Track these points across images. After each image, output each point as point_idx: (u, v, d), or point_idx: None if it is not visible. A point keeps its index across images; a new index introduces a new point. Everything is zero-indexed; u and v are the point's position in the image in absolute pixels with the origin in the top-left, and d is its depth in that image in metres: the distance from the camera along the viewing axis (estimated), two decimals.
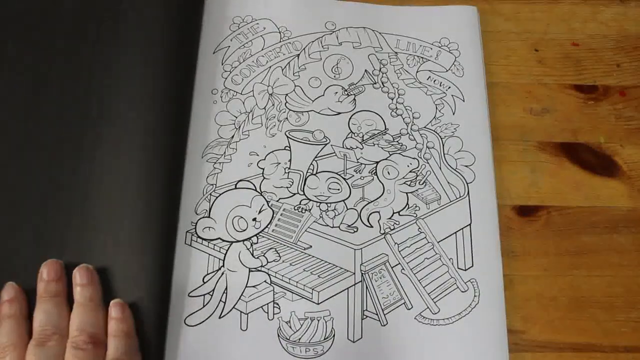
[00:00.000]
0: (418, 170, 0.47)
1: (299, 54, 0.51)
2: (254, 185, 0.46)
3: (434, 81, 0.51)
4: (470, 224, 0.45)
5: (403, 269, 0.44)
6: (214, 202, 0.45)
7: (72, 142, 0.45)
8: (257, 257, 0.43)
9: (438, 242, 0.45)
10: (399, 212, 0.46)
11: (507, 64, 0.53)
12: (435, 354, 0.41)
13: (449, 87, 0.51)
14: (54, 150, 0.44)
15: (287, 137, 0.48)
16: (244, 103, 0.49)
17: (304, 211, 0.45)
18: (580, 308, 0.44)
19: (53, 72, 0.48)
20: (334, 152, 0.47)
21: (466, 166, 0.47)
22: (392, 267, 0.44)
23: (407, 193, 0.46)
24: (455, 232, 0.45)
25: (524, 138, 0.50)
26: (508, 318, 0.42)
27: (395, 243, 0.44)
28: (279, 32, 0.52)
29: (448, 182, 0.47)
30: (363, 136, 0.48)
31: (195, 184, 0.46)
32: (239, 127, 0.48)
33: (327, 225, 0.45)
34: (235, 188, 0.46)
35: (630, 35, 0.55)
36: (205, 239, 0.44)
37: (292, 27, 0.52)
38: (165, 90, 0.46)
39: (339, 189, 0.46)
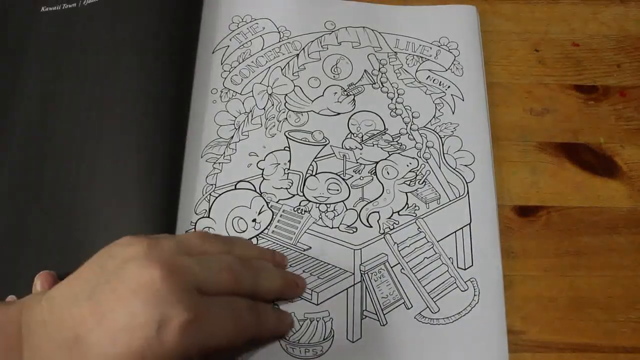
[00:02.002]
0: (417, 170, 0.47)
1: (298, 54, 0.51)
2: (253, 186, 0.46)
3: (434, 80, 0.51)
4: (470, 223, 0.45)
5: (403, 268, 0.44)
6: (213, 202, 0.45)
7: (72, 142, 0.45)
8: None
9: (438, 242, 0.45)
10: (398, 211, 0.45)
11: (507, 64, 0.53)
12: (435, 354, 0.41)
13: (449, 87, 0.50)
14: (55, 152, 0.45)
15: (287, 137, 0.48)
16: (243, 103, 0.49)
17: (303, 212, 0.45)
18: (580, 308, 0.44)
19: (52, 74, 0.48)
20: (334, 153, 0.47)
21: (466, 165, 0.47)
22: (391, 267, 0.43)
23: (406, 193, 0.46)
24: (455, 232, 0.45)
25: (524, 138, 0.50)
26: (508, 318, 0.42)
27: (395, 243, 0.44)
28: (279, 32, 0.52)
29: (448, 182, 0.47)
30: (362, 136, 0.48)
31: (194, 183, 0.45)
32: (239, 127, 0.48)
33: (327, 226, 0.44)
34: (235, 189, 0.45)
35: (630, 35, 0.55)
36: None
37: (292, 27, 0.52)
38: (163, 89, 0.46)
39: (338, 190, 0.46)
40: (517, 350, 0.42)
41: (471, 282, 0.43)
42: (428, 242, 0.44)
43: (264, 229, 0.44)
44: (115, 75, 0.47)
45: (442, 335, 0.41)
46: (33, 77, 0.47)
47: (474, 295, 0.43)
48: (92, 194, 0.43)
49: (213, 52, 0.51)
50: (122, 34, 0.48)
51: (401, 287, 0.43)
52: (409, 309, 0.42)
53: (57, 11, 0.50)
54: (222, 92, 0.49)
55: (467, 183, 0.47)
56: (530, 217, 0.47)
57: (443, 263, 0.44)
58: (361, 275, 0.43)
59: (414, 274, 0.43)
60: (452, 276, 0.44)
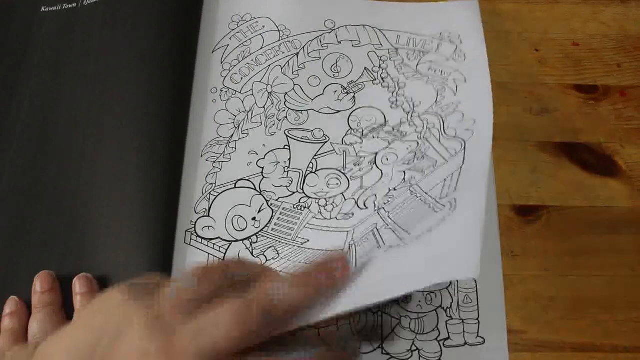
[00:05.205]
0: (417, 149, 0.46)
1: (298, 53, 0.51)
2: (253, 184, 0.46)
3: (435, 71, 0.51)
4: (462, 166, 0.41)
5: (387, 225, 0.41)
6: (213, 201, 0.45)
7: (72, 142, 0.45)
8: (257, 257, 0.43)
9: (428, 194, 0.41)
10: (394, 188, 0.45)
11: (507, 64, 0.53)
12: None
13: (450, 74, 0.50)
14: (55, 152, 0.45)
15: (287, 136, 0.48)
16: (243, 102, 0.49)
17: (302, 209, 0.45)
18: (580, 308, 0.44)
19: (52, 74, 0.48)
20: (334, 150, 0.47)
21: (466, 130, 0.46)
22: (377, 229, 0.42)
23: (404, 171, 0.45)
24: (445, 179, 0.41)
25: (524, 138, 0.50)
26: (508, 318, 0.42)
27: (386, 212, 0.43)
28: (278, 31, 0.52)
29: (446, 149, 0.46)
30: (363, 131, 0.48)
31: (194, 182, 0.45)
32: (239, 126, 0.48)
33: (325, 218, 0.44)
34: (235, 187, 0.45)
35: (630, 35, 0.55)
36: (205, 238, 0.43)
37: (292, 26, 0.52)
38: (163, 88, 0.46)
39: (338, 184, 0.46)
40: (517, 350, 0.42)
41: (450, 202, 0.38)
42: (417, 197, 0.42)
43: (264, 227, 0.44)
44: (115, 75, 0.47)
45: (411, 253, 0.36)
46: (33, 77, 0.47)
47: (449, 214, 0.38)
48: (92, 194, 0.43)
49: (213, 52, 0.51)
50: (122, 33, 0.48)
51: (382, 240, 0.40)
52: (380, 247, 0.39)
53: (57, 11, 0.50)
54: (221, 91, 0.49)
55: (464, 141, 0.44)
56: (530, 217, 0.47)
57: (428, 205, 0.40)
58: (349, 248, 0.42)
59: (397, 225, 0.41)
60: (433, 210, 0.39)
